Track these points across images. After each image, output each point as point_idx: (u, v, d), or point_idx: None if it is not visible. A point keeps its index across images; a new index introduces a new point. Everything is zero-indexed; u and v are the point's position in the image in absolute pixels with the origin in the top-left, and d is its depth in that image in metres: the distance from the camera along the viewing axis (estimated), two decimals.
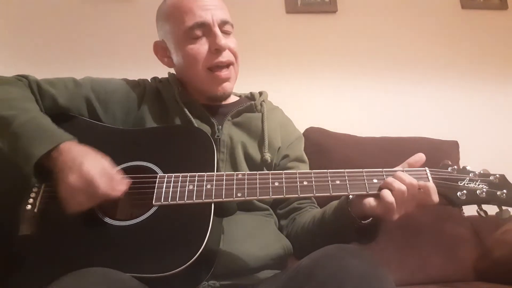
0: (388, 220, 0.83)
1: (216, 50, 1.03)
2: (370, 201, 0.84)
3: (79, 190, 0.81)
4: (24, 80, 1.02)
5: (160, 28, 1.13)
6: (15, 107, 0.91)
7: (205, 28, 1.04)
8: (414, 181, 0.82)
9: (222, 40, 1.03)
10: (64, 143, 0.85)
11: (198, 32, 1.04)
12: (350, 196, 0.90)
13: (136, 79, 1.16)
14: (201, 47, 1.04)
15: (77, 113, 1.05)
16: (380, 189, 0.84)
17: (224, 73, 1.05)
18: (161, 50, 1.14)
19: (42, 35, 1.86)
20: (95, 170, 0.82)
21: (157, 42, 1.15)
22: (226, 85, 1.06)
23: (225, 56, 1.05)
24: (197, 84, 1.09)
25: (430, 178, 0.85)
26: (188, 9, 1.04)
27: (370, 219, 0.88)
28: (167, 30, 1.10)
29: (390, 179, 0.83)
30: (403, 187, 0.81)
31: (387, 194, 0.81)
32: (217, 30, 1.03)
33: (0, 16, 1.84)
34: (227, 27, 1.07)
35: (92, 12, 1.91)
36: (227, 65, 1.06)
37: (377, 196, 0.84)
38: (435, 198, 0.82)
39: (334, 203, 0.96)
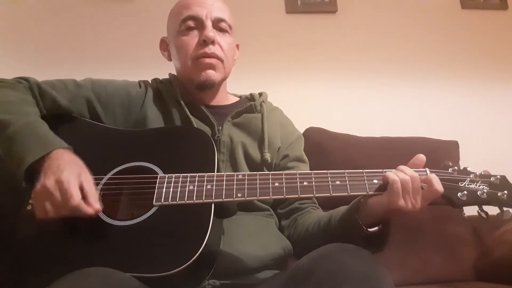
0: (395, 208, 0.82)
1: (203, 41, 1.05)
2: (375, 197, 0.85)
3: (51, 196, 0.79)
4: (24, 82, 1.02)
5: (167, 25, 1.17)
6: (12, 111, 0.91)
7: (198, 22, 1.07)
8: (415, 174, 0.83)
9: (211, 32, 1.05)
10: (56, 150, 0.85)
11: (191, 24, 1.07)
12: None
13: (137, 80, 1.17)
14: (192, 39, 1.07)
15: (78, 114, 1.05)
16: (383, 181, 0.84)
17: (207, 60, 1.06)
18: (163, 45, 1.19)
19: (43, 37, 1.85)
20: (73, 181, 0.80)
21: (162, 38, 1.19)
22: (210, 72, 1.06)
23: (211, 49, 1.06)
24: (185, 73, 1.11)
25: None
26: (186, 4, 1.09)
27: (376, 228, 0.88)
28: (168, 25, 1.15)
29: (392, 172, 0.84)
30: (407, 177, 0.82)
31: (391, 174, 0.83)
32: (208, 23, 1.06)
33: (0, 18, 1.84)
34: (222, 25, 1.09)
35: (93, 13, 1.91)
36: (212, 57, 1.06)
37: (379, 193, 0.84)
38: (439, 187, 0.82)
39: (341, 209, 0.96)
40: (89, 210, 0.80)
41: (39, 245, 0.85)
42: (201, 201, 0.84)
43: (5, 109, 0.91)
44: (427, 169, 0.87)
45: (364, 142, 1.72)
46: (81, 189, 0.81)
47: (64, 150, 0.86)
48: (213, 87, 1.10)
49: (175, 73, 1.17)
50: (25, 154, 0.84)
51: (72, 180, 0.80)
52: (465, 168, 0.88)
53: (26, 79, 1.04)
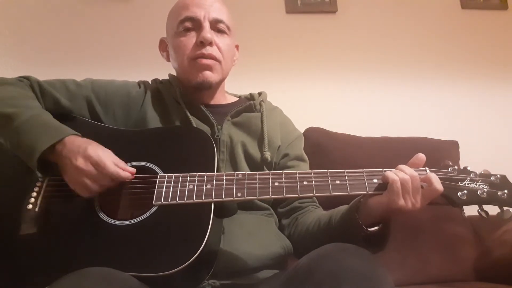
0: (395, 207, 0.82)
1: (200, 42, 1.05)
2: (375, 197, 0.85)
3: (87, 172, 0.84)
4: (25, 81, 1.03)
5: (166, 25, 1.17)
6: (17, 105, 0.93)
7: (196, 23, 1.07)
8: (415, 173, 0.83)
9: (208, 34, 1.05)
10: (68, 137, 0.88)
11: (188, 25, 1.07)
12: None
13: (137, 80, 1.17)
14: (189, 40, 1.07)
15: (78, 113, 1.05)
16: (383, 181, 0.84)
17: (204, 61, 1.06)
18: (162, 45, 1.19)
19: (43, 37, 1.86)
20: (102, 153, 0.85)
21: (161, 38, 1.20)
22: (207, 73, 1.06)
23: (209, 50, 1.06)
24: (182, 74, 1.11)
25: None
26: (184, 5, 1.09)
27: (377, 227, 0.88)
28: (167, 25, 1.15)
29: (392, 171, 0.84)
30: (406, 177, 0.82)
31: (390, 173, 0.83)
32: (205, 24, 1.06)
33: (0, 18, 1.84)
34: (220, 26, 1.09)
35: (92, 13, 1.91)
36: (210, 58, 1.06)
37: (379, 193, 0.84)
38: (439, 186, 0.82)
39: (341, 208, 0.96)
40: (127, 174, 0.87)
41: (39, 244, 0.85)
42: (201, 200, 0.84)
43: (10, 103, 0.92)
44: (427, 168, 0.87)
45: (364, 142, 1.72)
46: None
47: (75, 136, 0.89)
48: (210, 88, 1.10)
49: (174, 74, 1.17)
50: (36, 143, 0.85)
51: (99, 152, 0.85)
52: (465, 168, 0.88)
53: (27, 78, 1.04)
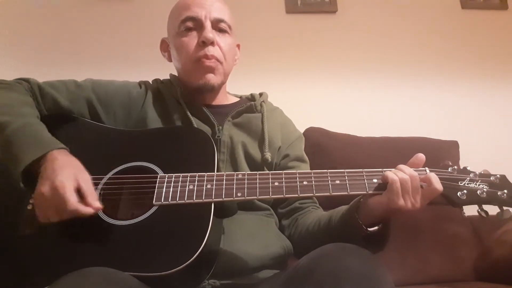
0: (395, 207, 0.82)
1: (202, 42, 1.05)
2: (375, 197, 0.85)
3: (49, 202, 0.79)
4: (24, 83, 1.03)
5: (167, 25, 1.17)
6: (9, 112, 0.91)
7: (197, 23, 1.07)
8: (415, 173, 0.83)
9: (210, 33, 1.05)
10: (52, 152, 0.85)
11: (190, 25, 1.07)
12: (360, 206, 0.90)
13: (137, 81, 1.17)
14: (191, 40, 1.07)
15: (78, 114, 1.05)
16: (382, 181, 0.84)
17: (207, 62, 1.05)
18: (163, 45, 1.19)
19: (43, 37, 1.86)
20: (69, 184, 0.79)
21: (163, 38, 1.20)
22: (210, 76, 1.06)
23: (211, 50, 1.05)
24: (184, 75, 1.11)
25: None
26: (186, 5, 1.09)
27: (376, 227, 0.88)
28: (168, 25, 1.15)
29: (392, 171, 0.84)
30: (406, 176, 0.82)
31: (390, 173, 0.83)
32: (207, 24, 1.06)
33: (0, 18, 1.84)
34: (222, 25, 1.09)
35: (93, 13, 1.92)
36: (212, 59, 1.06)
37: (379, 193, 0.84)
38: (439, 186, 0.83)
39: (341, 209, 0.96)
40: (88, 210, 0.80)
41: (39, 245, 0.85)
42: (201, 200, 0.84)
43: (3, 111, 0.91)
44: (426, 168, 0.87)
45: (364, 142, 1.72)
46: (79, 189, 0.81)
47: (59, 151, 0.86)
48: (212, 90, 1.10)
49: (175, 74, 1.18)
50: (21, 155, 0.84)
51: (67, 184, 0.79)
52: (464, 168, 0.88)
53: (26, 80, 1.04)
